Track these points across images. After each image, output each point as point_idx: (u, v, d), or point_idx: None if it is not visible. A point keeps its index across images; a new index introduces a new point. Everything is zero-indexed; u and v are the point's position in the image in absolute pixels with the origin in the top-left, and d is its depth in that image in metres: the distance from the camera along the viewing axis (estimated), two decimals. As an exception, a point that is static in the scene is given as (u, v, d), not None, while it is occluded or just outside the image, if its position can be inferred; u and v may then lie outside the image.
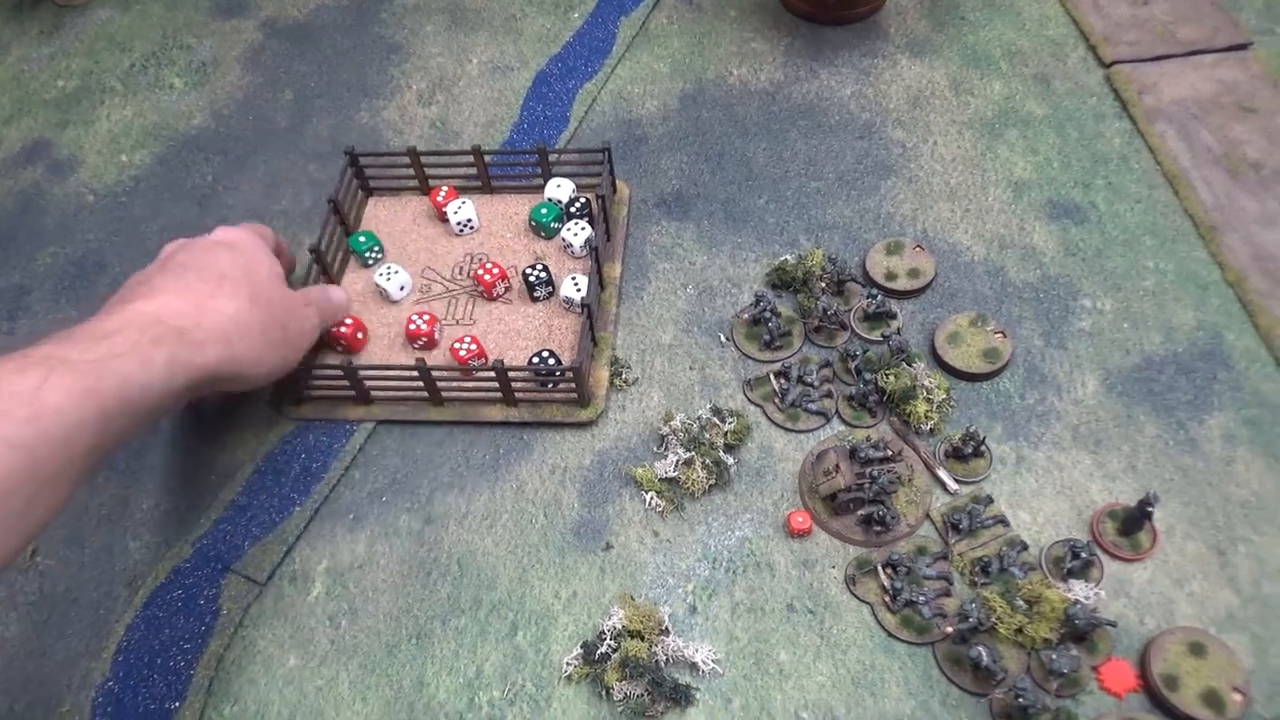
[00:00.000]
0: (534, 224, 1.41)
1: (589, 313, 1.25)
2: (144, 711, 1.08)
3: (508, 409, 1.27)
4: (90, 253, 1.51)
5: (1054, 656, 1.00)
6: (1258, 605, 1.06)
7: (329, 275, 1.37)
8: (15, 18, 1.91)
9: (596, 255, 1.32)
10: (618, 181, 1.48)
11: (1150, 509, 1.06)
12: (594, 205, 1.40)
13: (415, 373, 1.23)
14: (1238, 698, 0.99)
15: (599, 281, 1.34)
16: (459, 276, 1.40)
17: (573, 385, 1.23)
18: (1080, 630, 1.02)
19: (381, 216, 1.48)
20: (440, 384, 1.25)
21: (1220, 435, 1.18)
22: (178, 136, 1.66)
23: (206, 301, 1.08)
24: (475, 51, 1.74)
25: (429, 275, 1.41)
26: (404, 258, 1.43)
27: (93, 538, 1.22)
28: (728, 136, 1.56)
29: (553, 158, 1.45)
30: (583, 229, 1.36)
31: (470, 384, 1.26)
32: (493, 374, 1.22)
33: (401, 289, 1.37)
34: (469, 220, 1.42)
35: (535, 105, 1.63)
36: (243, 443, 1.28)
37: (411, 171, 1.48)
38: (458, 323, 1.35)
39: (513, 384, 1.24)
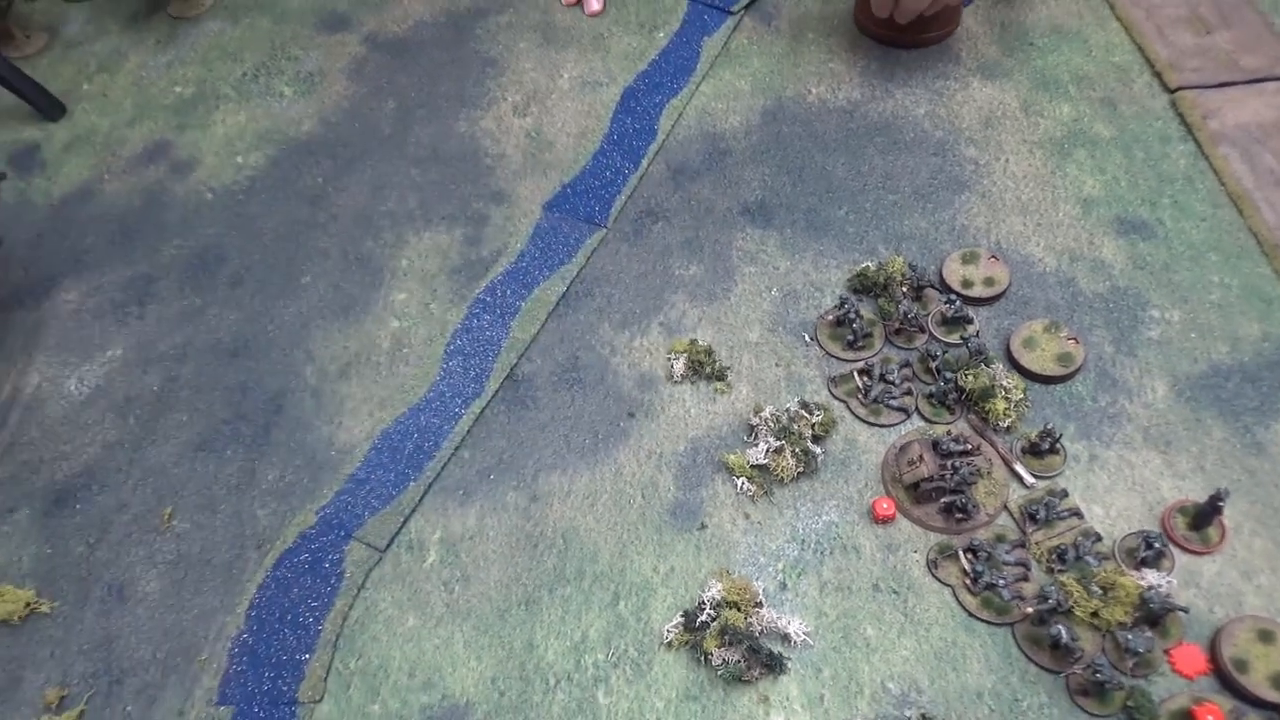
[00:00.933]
0: None
1: None
2: (276, 661, 1.17)
3: None
4: (211, 246, 1.63)
5: (1129, 636, 1.07)
6: (1322, 598, 1.12)
7: None
8: (132, 28, 2.04)
9: None
10: None
11: (1221, 503, 1.13)
12: None
13: None
14: (1304, 682, 1.05)
15: None
16: None
17: None
18: (1154, 614, 1.09)
19: None
20: None
21: (1285, 440, 1.25)
22: (289, 141, 1.78)
23: None
24: (566, 67, 1.85)
25: None
26: None
27: (224, 505, 1.32)
28: (807, 151, 1.65)
29: None
30: None
31: None
32: None
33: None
34: None
35: (624, 118, 1.73)
36: (360, 422, 1.38)
37: None
38: None
39: None
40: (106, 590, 1.26)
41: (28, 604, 1.24)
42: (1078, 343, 1.34)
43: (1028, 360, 1.33)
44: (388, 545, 1.26)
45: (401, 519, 1.28)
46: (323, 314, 1.52)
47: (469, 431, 1.36)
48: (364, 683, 1.16)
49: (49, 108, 1.86)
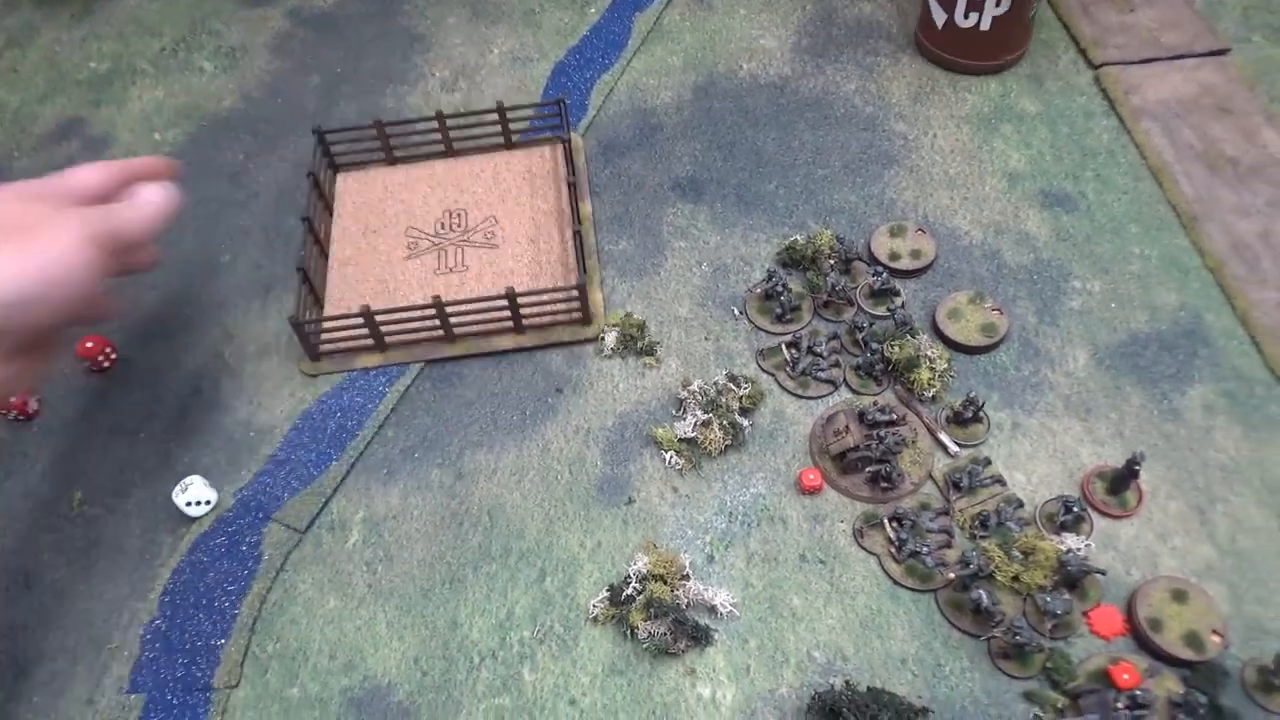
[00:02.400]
0: None
1: (578, 239, 1.37)
2: (191, 648, 1.14)
3: (518, 337, 1.36)
4: (126, 224, 1.57)
5: (1048, 599, 1.08)
6: (1234, 558, 1.15)
7: (321, 244, 1.46)
8: (46, 1, 1.97)
9: (573, 192, 1.44)
10: (573, 134, 1.59)
11: (1138, 467, 1.15)
12: (561, 149, 1.55)
13: (432, 310, 1.31)
14: (1216, 639, 1.07)
15: (577, 217, 1.44)
16: (443, 230, 1.49)
17: (577, 304, 1.33)
18: (1072, 577, 1.11)
19: (353, 189, 1.56)
20: (453, 318, 1.33)
21: (1200, 405, 1.27)
22: (209, 117, 1.73)
23: None
24: (496, 43, 1.82)
25: (413, 234, 1.49)
26: (384, 222, 1.51)
27: (137, 489, 1.28)
28: (738, 126, 1.64)
29: (511, 114, 1.55)
30: None
31: (481, 316, 1.35)
32: (504, 301, 1.30)
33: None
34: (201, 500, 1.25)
35: (555, 94, 1.71)
36: (280, 403, 1.35)
37: (379, 144, 1.56)
38: (451, 270, 1.44)
39: (522, 311, 1.33)
40: (12, 579, 1.21)
41: (-73, 595, 1.19)
42: (1002, 313, 1.35)
43: (953, 331, 1.34)
44: (308, 526, 1.23)
45: (323, 499, 1.25)
46: (243, 293, 1.47)
47: (393, 409, 1.33)
48: (282, 666, 1.13)
49: (-46, 83, 1.78)
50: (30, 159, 1.68)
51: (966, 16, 1.61)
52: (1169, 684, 1.05)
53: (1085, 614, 1.11)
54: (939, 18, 1.65)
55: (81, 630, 1.17)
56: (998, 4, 1.57)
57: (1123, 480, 1.18)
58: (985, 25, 1.61)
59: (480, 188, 1.55)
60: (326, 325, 1.34)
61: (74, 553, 1.23)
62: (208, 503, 1.24)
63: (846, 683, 1.05)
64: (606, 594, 1.14)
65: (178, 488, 1.23)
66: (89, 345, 1.37)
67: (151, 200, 1.14)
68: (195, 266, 1.51)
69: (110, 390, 1.38)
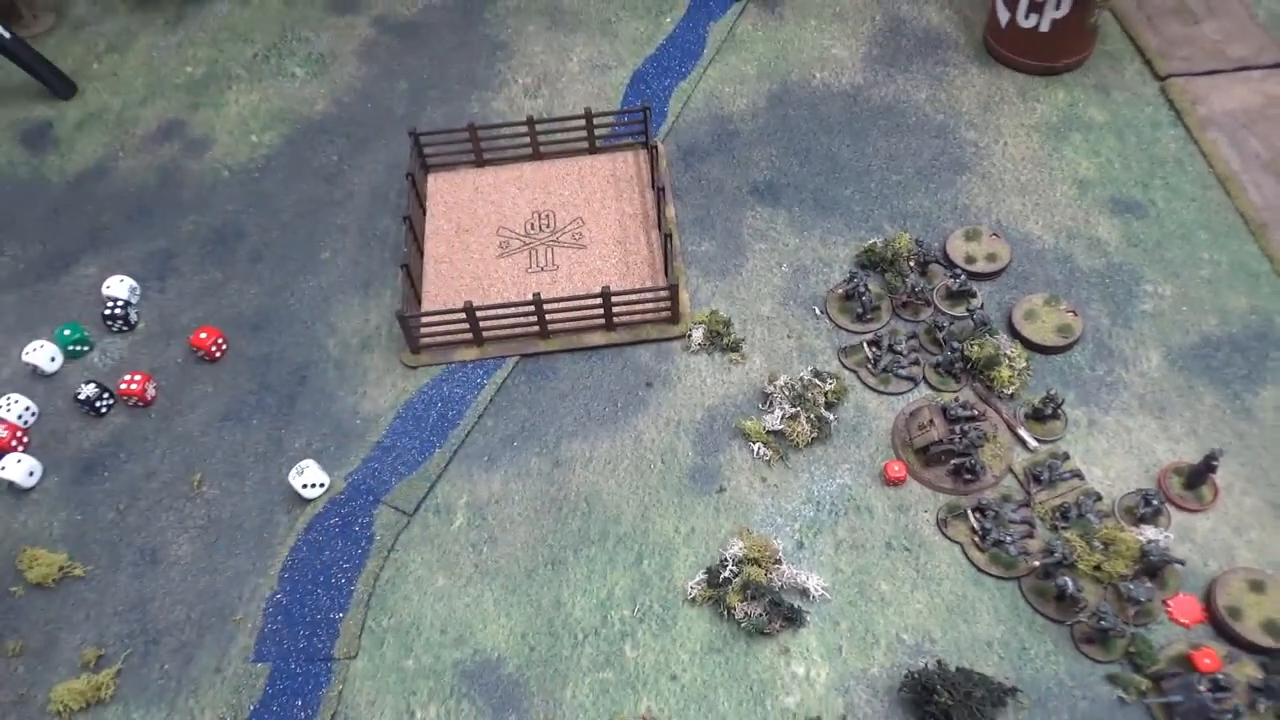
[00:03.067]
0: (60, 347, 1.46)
1: (668, 241, 1.43)
2: (310, 621, 1.21)
3: (609, 333, 1.42)
4: (229, 222, 1.65)
5: (1131, 587, 1.13)
6: (1309, 552, 1.19)
7: (418, 242, 1.53)
8: (141, 8, 2.06)
9: (660, 196, 1.49)
10: (656, 141, 1.64)
11: (1215, 463, 1.19)
12: (643, 155, 1.63)
13: (531, 306, 1.37)
14: (1294, 628, 1.12)
15: (662, 221, 1.49)
16: (533, 231, 1.55)
17: (666, 304, 1.39)
18: (1153, 566, 1.15)
19: (444, 190, 1.63)
20: (549, 314, 1.40)
21: (1273, 406, 1.31)
22: (303, 120, 1.81)
23: None
24: (575, 51, 1.89)
25: (504, 234, 1.56)
26: (476, 222, 1.58)
27: (252, 472, 1.35)
28: (813, 133, 1.70)
29: (597, 120, 1.62)
30: None
31: (574, 313, 1.42)
32: (599, 299, 1.36)
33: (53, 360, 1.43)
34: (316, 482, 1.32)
35: (634, 100, 1.77)
36: (383, 393, 1.42)
37: (469, 146, 1.64)
38: (542, 269, 1.50)
39: (614, 309, 1.40)
40: (139, 554, 1.29)
41: (61, 568, 1.27)
42: (1076, 315, 1.40)
43: (1029, 331, 1.39)
44: (415, 509, 1.30)
45: (428, 484, 1.32)
46: (343, 288, 1.55)
47: (491, 400, 1.40)
48: (397, 639, 1.20)
49: (60, 86, 1.87)
50: (134, 159, 1.76)
51: (1027, 17, 1.67)
52: (1248, 670, 1.10)
53: (1165, 602, 1.16)
54: (1003, 17, 1.72)
55: (207, 603, 1.24)
56: (1057, 6, 1.63)
57: (1199, 475, 1.23)
58: (1045, 27, 1.66)
59: (566, 190, 1.62)
60: (428, 319, 1.41)
61: (195, 530, 1.30)
62: (322, 485, 1.31)
63: (939, 662, 1.10)
64: (704, 576, 1.20)
65: (294, 470, 1.30)
66: (202, 336, 1.44)
67: None
68: (296, 263, 1.58)
69: (222, 379, 1.45)
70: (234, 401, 1.43)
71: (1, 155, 1.80)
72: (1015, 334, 1.40)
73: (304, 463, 1.31)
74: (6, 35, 1.79)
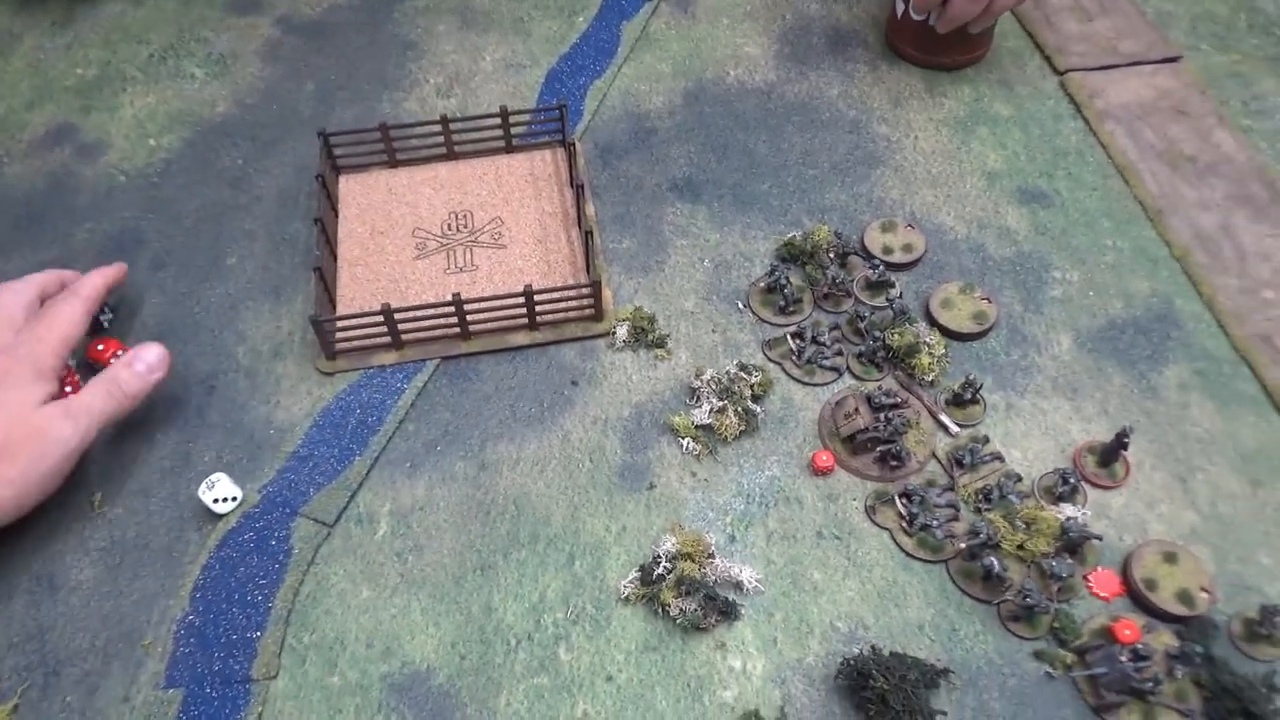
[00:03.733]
0: None
1: (589, 239, 1.42)
2: (226, 641, 1.15)
3: (532, 333, 1.40)
4: (127, 229, 1.57)
5: (1053, 563, 1.16)
6: (1216, 522, 1.24)
7: (330, 245, 1.48)
8: (25, 9, 1.95)
9: (580, 194, 1.48)
10: (574, 139, 1.62)
11: (1126, 440, 1.23)
12: (561, 153, 1.62)
13: (451, 306, 1.34)
14: (1205, 596, 1.16)
15: (582, 218, 1.49)
16: (450, 231, 1.53)
17: (589, 301, 1.38)
18: (1073, 543, 1.18)
19: (356, 191, 1.59)
20: (470, 315, 1.37)
21: (1176, 384, 1.37)
22: (204, 123, 1.73)
23: None
24: (488, 50, 1.86)
25: (420, 235, 1.53)
26: (391, 224, 1.54)
27: (158, 488, 1.28)
28: (730, 130, 1.71)
29: (513, 118, 1.60)
30: None
31: (497, 313, 1.39)
32: (521, 298, 1.34)
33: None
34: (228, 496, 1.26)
35: (549, 99, 1.75)
36: (298, 401, 1.36)
37: (382, 147, 1.60)
38: (461, 270, 1.47)
39: (537, 308, 1.37)
40: (34, 581, 1.21)
41: (-52, 600, 1.18)
42: (990, 302, 1.44)
43: (946, 319, 1.42)
44: (336, 520, 1.25)
45: (349, 494, 1.27)
46: (252, 295, 1.49)
47: (412, 405, 1.36)
48: (320, 656, 1.15)
49: (-64, 90, 1.76)
50: (22, 165, 1.67)
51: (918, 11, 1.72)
52: (1165, 638, 1.13)
53: (1085, 577, 1.19)
54: (899, 9, 1.77)
55: (112, 629, 1.17)
56: (944, 2, 1.67)
57: (1112, 453, 1.27)
58: (934, 21, 1.70)
59: (484, 190, 1.59)
60: (344, 324, 1.36)
61: (97, 553, 1.23)
62: (234, 499, 1.25)
63: (873, 648, 1.11)
64: (637, 574, 1.18)
65: (203, 485, 1.24)
66: (100, 348, 1.37)
67: (152, 366, 1.27)
68: (201, 270, 1.52)
69: (123, 393, 1.38)
70: (136, 415, 1.35)
71: None
72: (933, 322, 1.43)
73: (214, 476, 1.25)
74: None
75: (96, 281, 1.34)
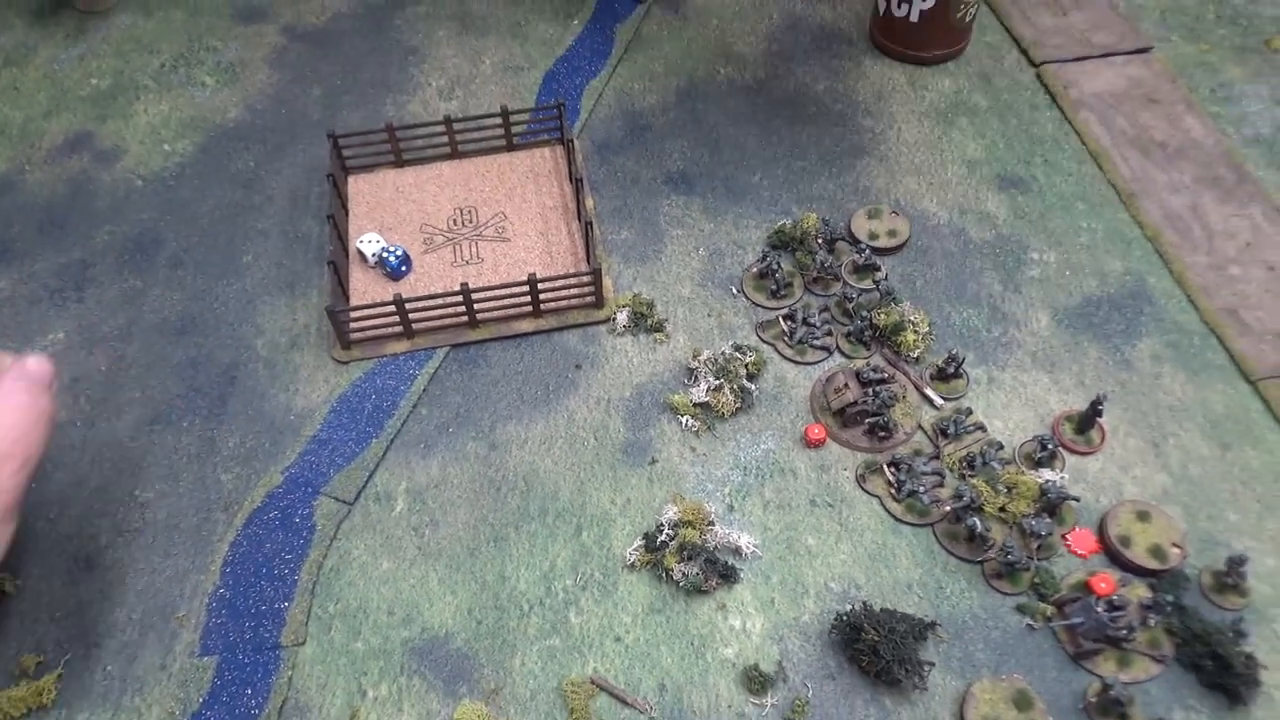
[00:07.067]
0: None
1: (589, 229, 1.49)
2: (255, 612, 1.22)
3: (536, 320, 1.47)
4: (146, 230, 1.64)
5: (1033, 523, 1.23)
6: (1186, 484, 1.31)
7: (342, 241, 1.56)
8: (39, 23, 2.02)
9: (579, 187, 1.55)
10: (572, 136, 1.70)
11: (1101, 406, 1.31)
12: (560, 150, 1.70)
13: (459, 296, 1.41)
14: (1176, 551, 1.23)
15: (581, 210, 1.55)
16: (456, 226, 1.60)
17: (591, 289, 1.45)
18: (1051, 504, 1.26)
19: (365, 190, 1.66)
20: (477, 304, 1.44)
21: (1149, 356, 1.44)
22: (216, 128, 1.80)
23: None
24: (487, 54, 1.93)
25: (427, 230, 1.60)
26: (399, 220, 1.62)
27: (185, 473, 1.35)
28: (721, 125, 1.78)
29: (513, 117, 1.67)
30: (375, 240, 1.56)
31: (503, 302, 1.46)
32: (526, 287, 1.41)
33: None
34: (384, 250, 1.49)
35: (548, 99, 1.83)
36: (316, 389, 1.43)
37: (388, 147, 1.67)
38: (467, 263, 1.54)
39: (541, 296, 1.45)
40: (73, 561, 1.28)
41: (-10, 580, 1.25)
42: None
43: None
44: (355, 498, 1.32)
45: (367, 473, 1.34)
46: (268, 290, 1.56)
47: (424, 390, 1.43)
48: (344, 624, 1.22)
49: (-43, 102, 1.83)
50: (43, 171, 1.74)
51: (899, 7, 1.80)
52: (1139, 591, 1.21)
53: (1064, 536, 1.26)
54: (881, 6, 1.85)
55: (147, 603, 1.24)
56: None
57: (1088, 420, 1.34)
58: (914, 18, 1.79)
59: (487, 187, 1.66)
60: (358, 314, 1.43)
61: (131, 534, 1.30)
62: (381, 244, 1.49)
63: (864, 604, 1.18)
64: (642, 542, 1.26)
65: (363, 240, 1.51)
66: None
67: (39, 361, 1.09)
68: (218, 268, 1.59)
69: (149, 384, 1.45)
70: (163, 405, 1.42)
71: (-103, 172, 1.75)
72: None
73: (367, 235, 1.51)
74: (-102, 49, 1.74)
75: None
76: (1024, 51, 1.90)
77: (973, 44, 1.91)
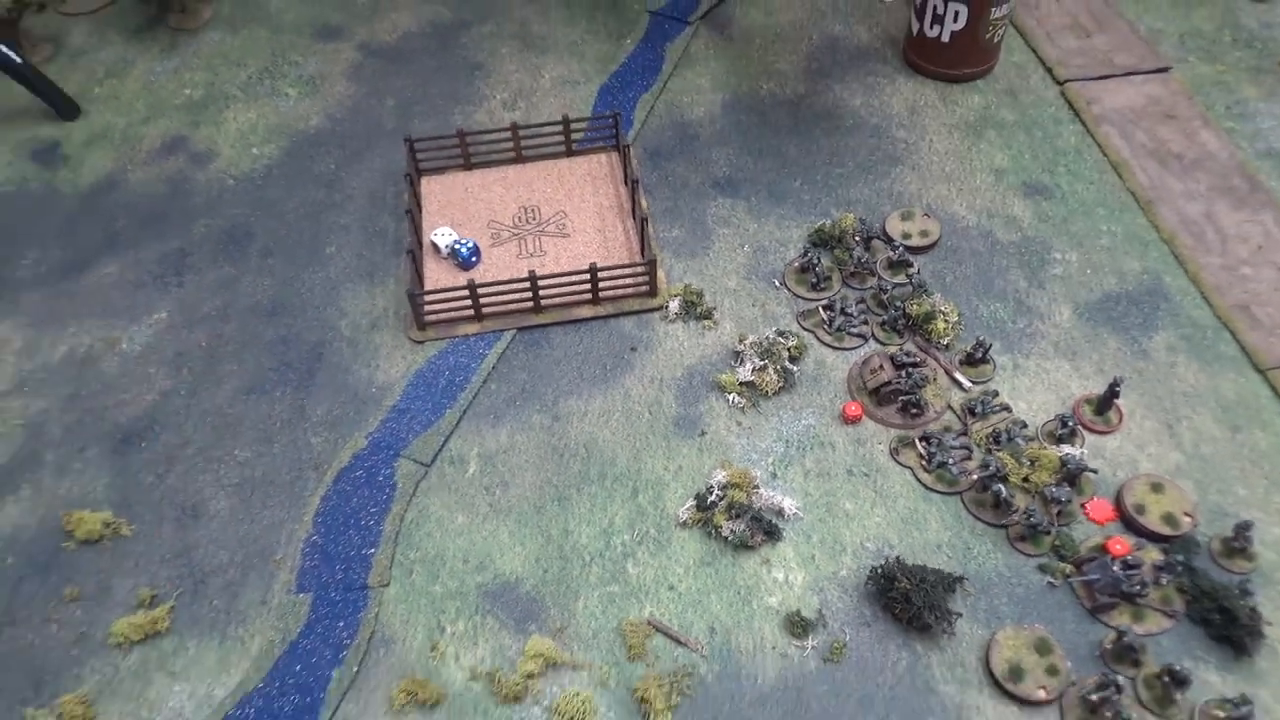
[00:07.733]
0: None
1: (644, 225, 1.62)
2: (345, 557, 1.35)
3: (595, 307, 1.60)
4: (238, 224, 1.80)
5: (1054, 490, 1.34)
6: (1198, 461, 1.41)
7: (418, 235, 1.70)
8: (136, 39, 2.21)
9: (634, 188, 1.69)
10: (628, 142, 1.83)
11: (1118, 388, 1.42)
12: (616, 156, 1.85)
13: (526, 283, 1.55)
14: (1188, 519, 1.34)
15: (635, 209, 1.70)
16: (521, 223, 1.74)
17: (645, 278, 1.59)
18: (1071, 474, 1.36)
19: (437, 191, 1.81)
20: (542, 291, 1.58)
21: (1164, 347, 1.55)
22: (299, 134, 1.97)
23: None
24: (546, 69, 2.09)
25: (494, 226, 1.74)
26: (469, 217, 1.76)
27: (279, 436, 1.49)
28: (764, 135, 1.92)
29: (574, 125, 1.82)
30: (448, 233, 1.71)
31: (565, 289, 1.59)
32: (587, 275, 1.55)
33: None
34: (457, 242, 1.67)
35: (603, 110, 1.98)
36: (394, 365, 1.57)
37: (459, 151, 1.82)
38: (531, 256, 1.69)
39: (599, 284, 1.58)
40: (180, 511, 1.42)
41: (106, 524, 1.39)
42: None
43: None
44: (432, 460, 1.45)
45: (442, 439, 1.47)
46: (350, 278, 1.71)
47: (494, 368, 1.57)
48: (424, 569, 1.34)
49: (65, 108, 2.01)
50: (144, 171, 1.91)
51: (931, 28, 1.94)
52: (1152, 554, 1.31)
53: (1082, 505, 1.37)
54: (914, 27, 1.98)
55: (248, 548, 1.37)
56: (955, 20, 1.89)
57: (1106, 402, 1.45)
58: (946, 38, 1.92)
59: (548, 188, 1.81)
60: (434, 297, 1.57)
61: (231, 488, 1.44)
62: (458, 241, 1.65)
63: (898, 558, 1.29)
64: (693, 502, 1.38)
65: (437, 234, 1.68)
66: None
67: None
68: (304, 258, 1.74)
69: (245, 359, 1.59)
70: (257, 377, 1.57)
71: (14, 171, 1.92)
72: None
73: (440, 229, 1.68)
74: (18, 60, 1.93)
75: None
76: (1049, 70, 2.03)
77: (1001, 63, 2.04)
